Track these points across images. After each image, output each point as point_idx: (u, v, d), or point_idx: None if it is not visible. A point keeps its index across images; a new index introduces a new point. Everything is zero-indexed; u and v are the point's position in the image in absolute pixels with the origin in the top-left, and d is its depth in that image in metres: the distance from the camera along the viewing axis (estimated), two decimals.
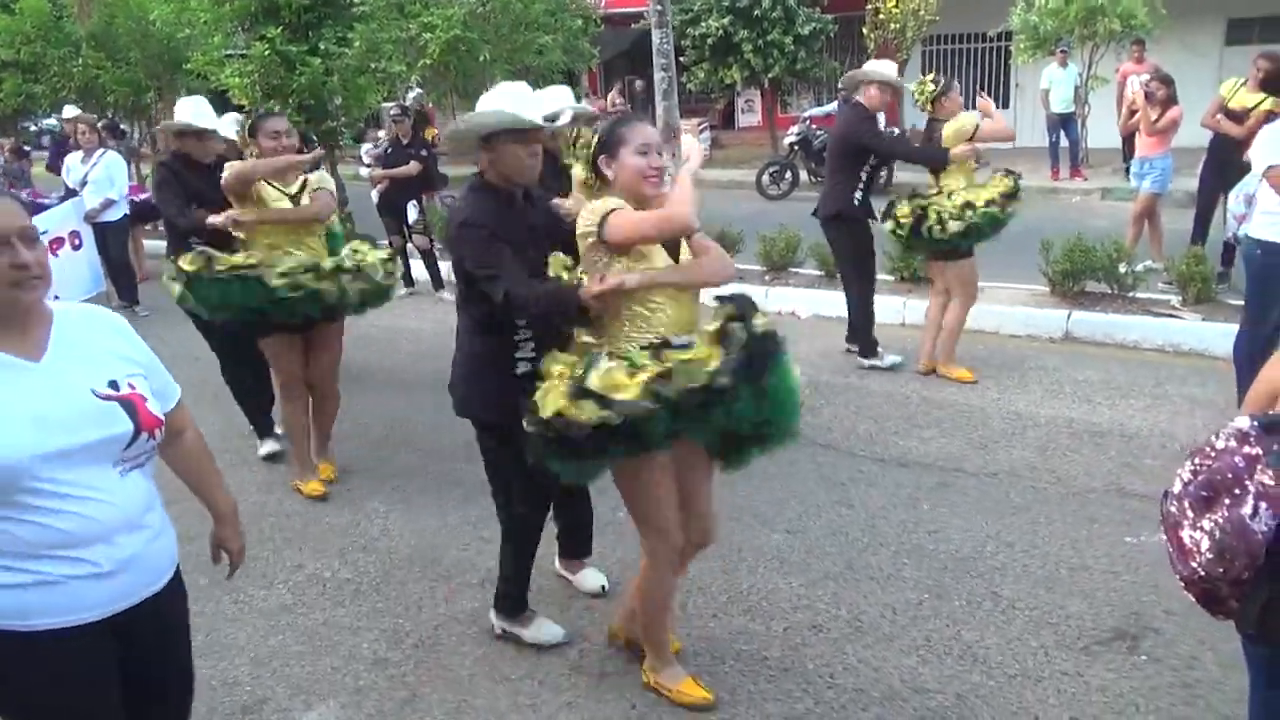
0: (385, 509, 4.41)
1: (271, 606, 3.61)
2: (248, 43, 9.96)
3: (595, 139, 2.70)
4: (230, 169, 4.23)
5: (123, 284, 8.64)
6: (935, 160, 5.45)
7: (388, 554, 3.98)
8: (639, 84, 18.94)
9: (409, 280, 8.65)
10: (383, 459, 4.99)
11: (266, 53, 9.45)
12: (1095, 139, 14.11)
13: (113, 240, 8.54)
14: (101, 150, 8.44)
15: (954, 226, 5.24)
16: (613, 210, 2.55)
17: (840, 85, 12.37)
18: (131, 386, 1.87)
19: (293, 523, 4.31)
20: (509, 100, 2.89)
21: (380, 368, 6.69)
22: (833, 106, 14.11)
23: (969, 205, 5.27)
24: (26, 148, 11.07)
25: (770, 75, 16.86)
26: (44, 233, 7.90)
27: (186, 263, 4.33)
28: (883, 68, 5.72)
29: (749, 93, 19.90)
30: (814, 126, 14.09)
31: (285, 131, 4.44)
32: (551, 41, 8.10)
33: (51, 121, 20.49)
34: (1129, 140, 13.43)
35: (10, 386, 1.73)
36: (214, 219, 4.29)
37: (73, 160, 8.51)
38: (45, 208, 10.54)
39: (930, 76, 5.75)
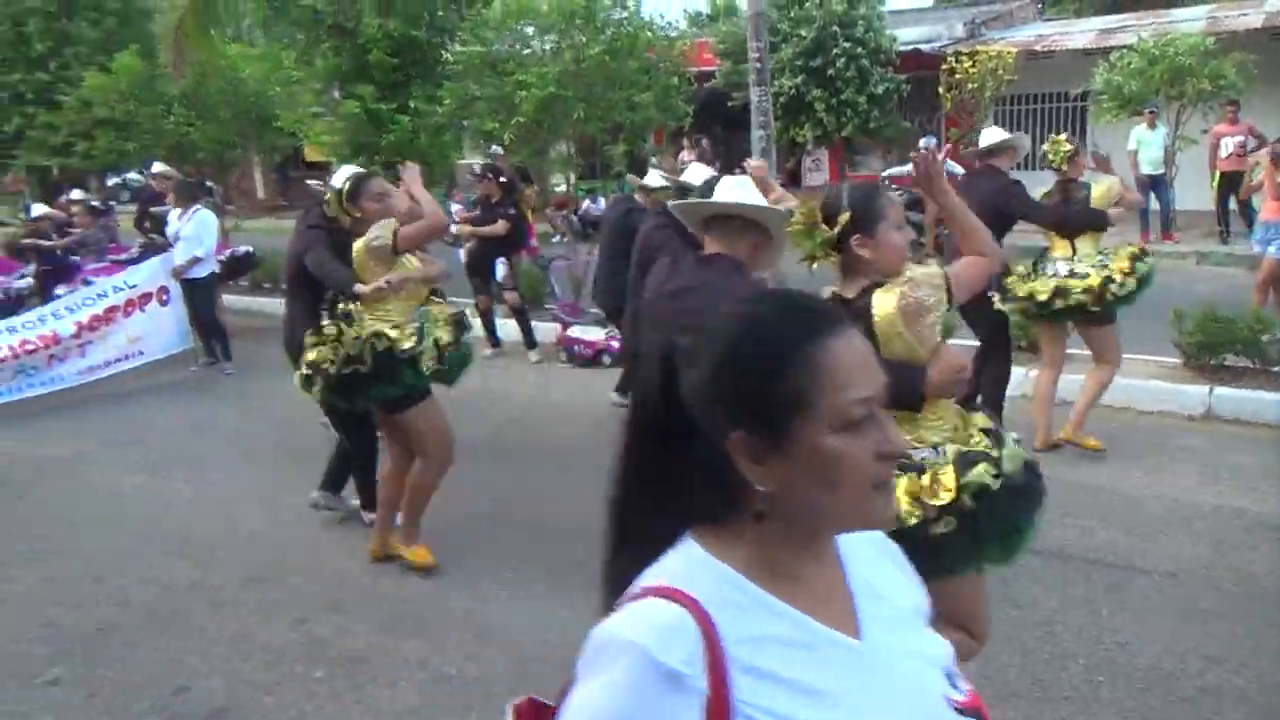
0: (505, 594, 4.11)
1: (398, 709, 3.31)
2: (338, 101, 10.00)
3: (845, 214, 2.39)
4: (405, 232, 4.05)
5: (212, 341, 8.57)
6: (1096, 224, 5.19)
7: (514, 649, 3.67)
8: (705, 142, 18.89)
9: (495, 340, 8.49)
10: (492, 536, 4.71)
11: (356, 110, 9.47)
12: (1183, 201, 13.66)
13: (200, 297, 8.49)
14: (196, 207, 8.42)
15: (1129, 285, 5.02)
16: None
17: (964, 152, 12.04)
18: (965, 680, 1.10)
19: (410, 608, 4.03)
20: (741, 192, 2.94)
21: (472, 435, 6.43)
22: (910, 168, 13.80)
23: (1109, 269, 5.07)
24: (111, 203, 11.22)
25: (843, 134, 16.71)
26: (133, 287, 7.90)
27: (313, 352, 4.10)
28: (997, 134, 5.57)
29: (817, 151, 19.78)
30: (893, 186, 13.83)
31: (388, 193, 4.28)
32: (647, 99, 7.95)
33: (134, 175, 21.27)
34: (1224, 203, 13.13)
35: (844, 690, 0.98)
36: (365, 288, 4.08)
37: (173, 216, 8.52)
38: (132, 262, 10.70)
39: (1064, 136, 5.49)
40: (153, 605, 4.16)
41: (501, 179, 8.40)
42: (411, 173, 4.18)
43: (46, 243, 9.80)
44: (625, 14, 8.24)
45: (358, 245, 4.10)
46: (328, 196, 4.32)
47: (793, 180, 21.28)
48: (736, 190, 2.92)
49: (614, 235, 6.09)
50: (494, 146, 10.63)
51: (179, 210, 8.51)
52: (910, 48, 17.22)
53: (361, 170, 4.68)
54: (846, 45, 16.23)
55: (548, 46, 8.21)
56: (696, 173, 5.64)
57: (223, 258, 9.51)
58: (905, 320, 2.28)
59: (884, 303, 2.30)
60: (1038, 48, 16.79)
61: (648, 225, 4.64)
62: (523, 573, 4.29)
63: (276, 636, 3.84)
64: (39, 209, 10.50)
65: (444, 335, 4.15)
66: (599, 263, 6.20)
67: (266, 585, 4.30)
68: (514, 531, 4.77)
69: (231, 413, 7.20)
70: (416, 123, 9.56)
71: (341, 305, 4.89)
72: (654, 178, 6.07)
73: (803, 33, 16.32)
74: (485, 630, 3.82)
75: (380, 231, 4.08)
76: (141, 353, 8.31)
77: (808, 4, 16.50)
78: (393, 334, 4.00)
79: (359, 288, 4.09)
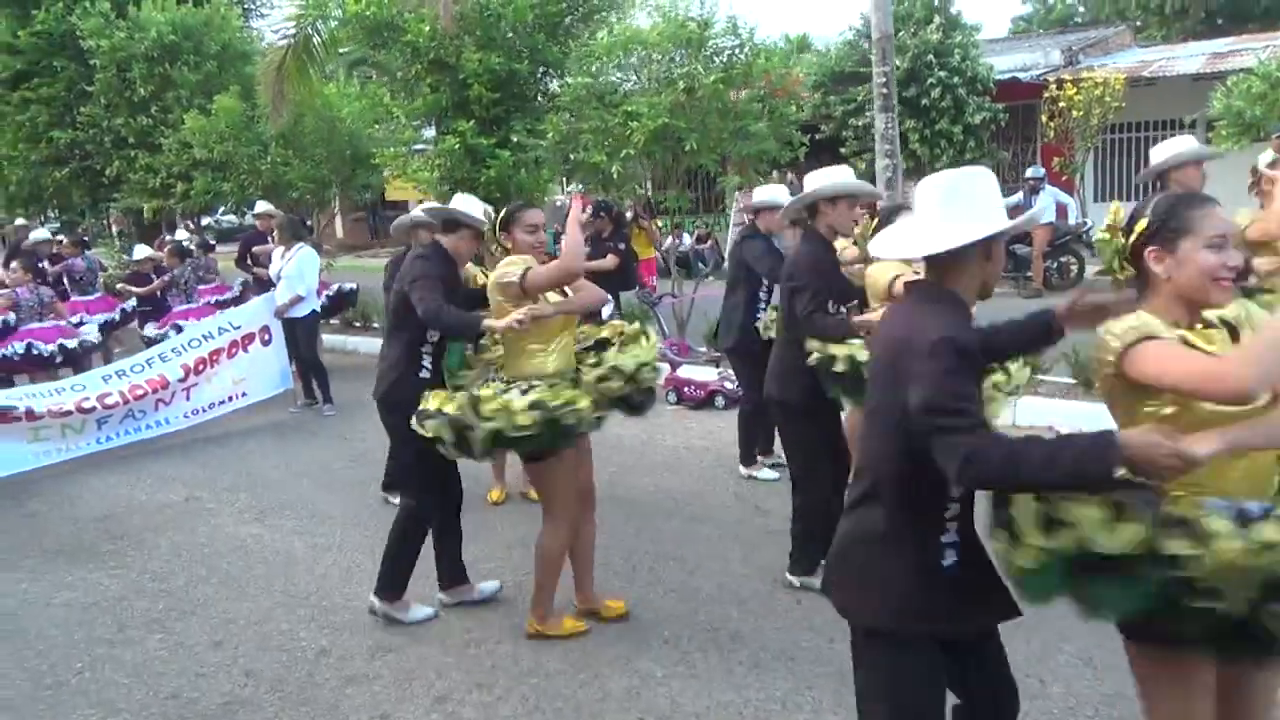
0: (663, 673, 3.65)
1: None
2: (437, 138, 9.84)
3: (1145, 224, 2.02)
4: (537, 274, 3.64)
5: (315, 381, 8.37)
6: None
7: None
8: (791, 176, 18.48)
9: None
10: (636, 600, 4.26)
11: (456, 146, 9.27)
12: None
13: (302, 337, 8.30)
14: (299, 245, 8.27)
15: None
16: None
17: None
18: None
19: (560, 686, 3.59)
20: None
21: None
22: (1018, 198, 13.18)
23: None
24: (210, 241, 11.26)
25: (937, 166, 16.15)
26: (237, 328, 7.71)
27: (452, 406, 3.72)
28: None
29: (906, 185, 19.22)
30: None
31: (542, 225, 3.92)
32: (766, 128, 7.55)
33: (227, 216, 21.48)
34: None
35: None
36: (496, 323, 3.71)
37: (275, 255, 8.38)
38: (235, 301, 10.65)
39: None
40: (280, 676, 3.81)
41: (612, 214, 8.11)
42: (575, 208, 3.82)
43: (135, 289, 9.82)
44: (737, 41, 7.86)
45: (490, 280, 3.74)
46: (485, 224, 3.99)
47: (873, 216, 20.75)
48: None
49: (734, 263, 5.68)
50: (559, 199, 10.39)
51: (282, 248, 8.38)
52: (1008, 76, 16.63)
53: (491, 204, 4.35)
54: (942, 75, 15.74)
55: (655, 77, 7.87)
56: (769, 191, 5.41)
57: (328, 294, 9.37)
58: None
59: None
60: (1145, 73, 16.05)
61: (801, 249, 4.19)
62: (680, 645, 3.85)
63: (418, 718, 3.44)
64: (141, 250, 10.53)
65: (627, 361, 3.76)
66: (726, 302, 5.77)
67: (398, 656, 3.92)
68: (658, 594, 4.33)
69: (333, 457, 6.93)
70: (517, 157, 9.31)
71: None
72: (772, 192, 5.61)
73: (897, 62, 15.88)
74: (650, 715, 3.36)
75: (510, 268, 3.70)
76: (245, 394, 8.13)
77: (901, 33, 16.06)
78: (554, 402, 3.58)
79: (488, 322, 3.71)
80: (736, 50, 7.97)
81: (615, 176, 7.91)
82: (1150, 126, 16.86)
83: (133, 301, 10.20)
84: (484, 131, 9.49)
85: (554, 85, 9.64)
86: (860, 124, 15.90)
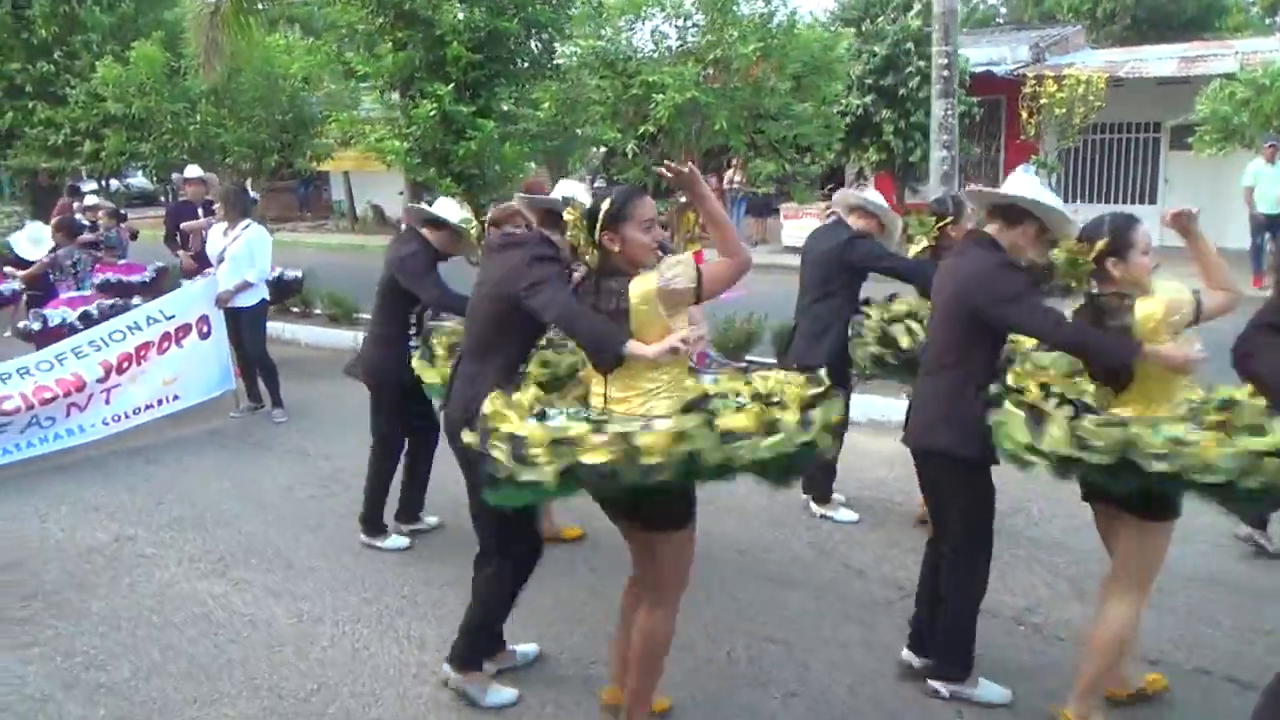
0: None
1: None
2: (405, 102, 8.58)
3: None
4: (714, 272, 2.77)
5: (262, 382, 7.08)
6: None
7: None
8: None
9: None
10: (751, 709, 3.28)
11: (432, 113, 8.05)
12: None
13: (248, 329, 7.01)
14: (246, 223, 6.95)
15: None
16: None
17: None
18: None
19: None
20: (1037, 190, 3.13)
21: None
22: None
23: None
24: (123, 211, 9.71)
25: (911, 160, 15.54)
26: (170, 318, 6.37)
27: (536, 438, 2.65)
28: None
29: (862, 179, 18.61)
30: None
31: (654, 219, 2.90)
32: (812, 109, 6.61)
33: (141, 180, 19.21)
34: None
35: None
36: (647, 349, 2.69)
37: (215, 233, 7.03)
38: (138, 285, 9.14)
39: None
40: None
41: None
42: (699, 183, 2.81)
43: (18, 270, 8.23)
44: (766, 8, 6.88)
45: (642, 290, 2.71)
46: (568, 217, 2.90)
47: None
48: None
49: (829, 266, 4.68)
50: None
51: (225, 224, 7.04)
52: (981, 69, 16.12)
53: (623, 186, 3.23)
54: (921, 64, 15.08)
55: (679, 43, 6.83)
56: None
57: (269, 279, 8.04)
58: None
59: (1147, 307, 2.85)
60: (1120, 74, 15.74)
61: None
62: None
63: None
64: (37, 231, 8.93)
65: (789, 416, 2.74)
66: (800, 306, 4.79)
67: None
68: (774, 699, 3.35)
69: (296, 479, 5.72)
70: (502, 129, 8.14)
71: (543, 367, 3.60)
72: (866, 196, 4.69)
73: (875, 49, 15.19)
74: None
75: (678, 270, 2.70)
76: (177, 397, 6.79)
77: (880, 19, 15.38)
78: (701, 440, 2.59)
79: (634, 347, 2.71)
80: (765, 19, 6.97)
81: (630, 156, 6.84)
82: (1122, 129, 16.64)
83: (13, 284, 8.64)
84: (462, 98, 8.29)
85: (543, 48, 8.47)
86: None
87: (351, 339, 9.59)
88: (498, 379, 3.12)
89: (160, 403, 6.70)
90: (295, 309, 10.37)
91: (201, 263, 8.47)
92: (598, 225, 2.80)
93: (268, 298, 7.32)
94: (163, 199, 13.95)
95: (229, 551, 4.67)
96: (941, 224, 4.51)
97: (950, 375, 3.21)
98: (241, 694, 3.42)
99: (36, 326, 7.04)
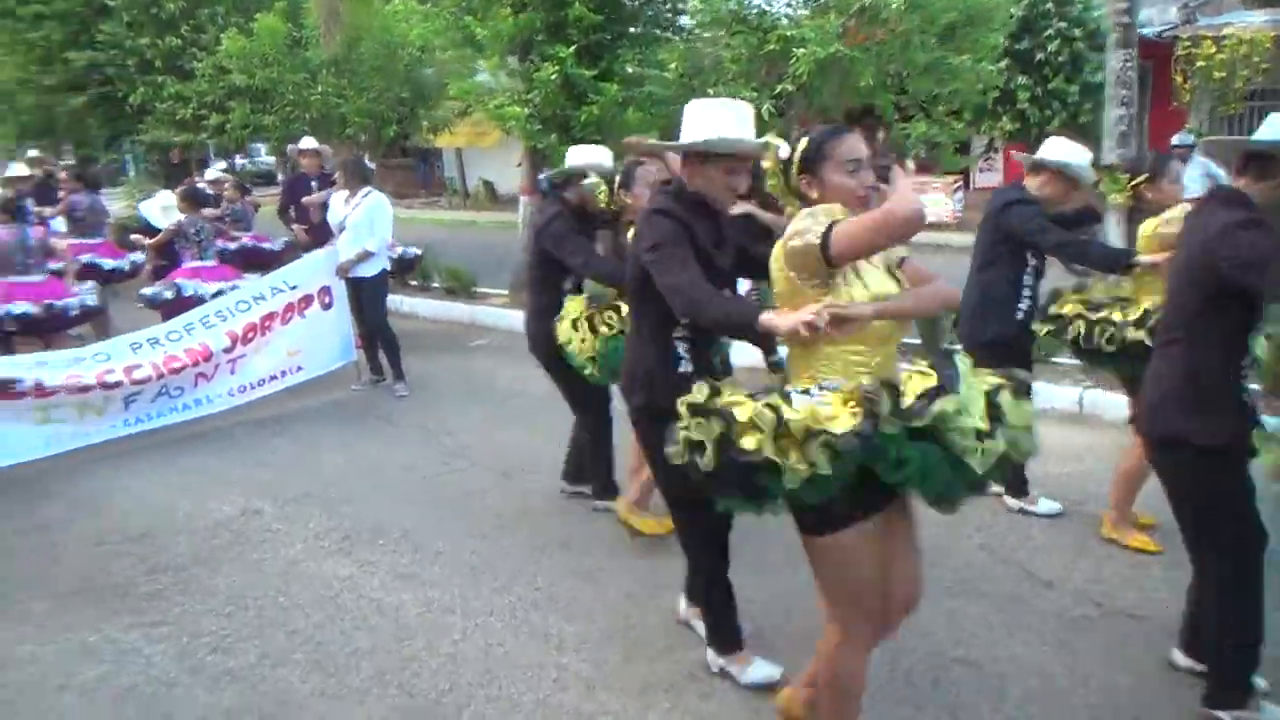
0: None
1: None
2: (524, 68, 8.28)
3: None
4: (847, 229, 2.21)
5: (382, 354, 6.93)
6: None
7: None
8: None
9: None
10: None
11: (553, 77, 7.72)
12: None
13: (369, 300, 6.85)
14: (367, 190, 6.79)
15: None
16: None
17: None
18: None
19: None
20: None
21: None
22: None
23: None
24: (247, 185, 9.79)
25: (1049, 130, 14.49)
26: (293, 288, 6.24)
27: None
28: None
29: (992, 151, 17.50)
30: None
31: (862, 159, 2.43)
32: (969, 62, 5.99)
33: (268, 158, 19.55)
34: None
35: None
36: (779, 321, 2.28)
37: (337, 201, 6.89)
38: (269, 253, 9.17)
39: None
40: None
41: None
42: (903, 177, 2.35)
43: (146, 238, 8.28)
44: None
45: (778, 246, 2.34)
46: (765, 164, 2.50)
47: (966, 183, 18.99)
48: None
49: (991, 232, 4.14)
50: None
51: (345, 193, 6.89)
52: None
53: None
54: (1061, 25, 14.02)
55: None
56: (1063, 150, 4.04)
57: (390, 255, 7.91)
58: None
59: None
60: None
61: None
62: None
63: None
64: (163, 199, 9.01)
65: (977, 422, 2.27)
66: (969, 277, 4.26)
67: None
68: (951, 709, 2.90)
69: (421, 456, 5.50)
70: (625, 93, 7.76)
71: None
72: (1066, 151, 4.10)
73: (1011, 11, 14.16)
74: None
75: (806, 222, 2.27)
76: (300, 368, 6.69)
77: None
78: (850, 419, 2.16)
79: (771, 319, 2.32)
80: None
81: (766, 117, 6.36)
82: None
83: (140, 254, 8.74)
84: (584, 61, 7.94)
85: (669, 5, 8.03)
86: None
87: (469, 313, 9.44)
88: (657, 355, 2.88)
89: (284, 374, 6.61)
90: (414, 282, 10.28)
91: (316, 236, 8.41)
92: (793, 169, 2.39)
93: (389, 268, 7.16)
94: (280, 177, 14.11)
95: (354, 530, 4.46)
96: (1135, 183, 4.06)
97: (1181, 350, 2.71)
98: (370, 690, 3.16)
99: (170, 295, 7.04)
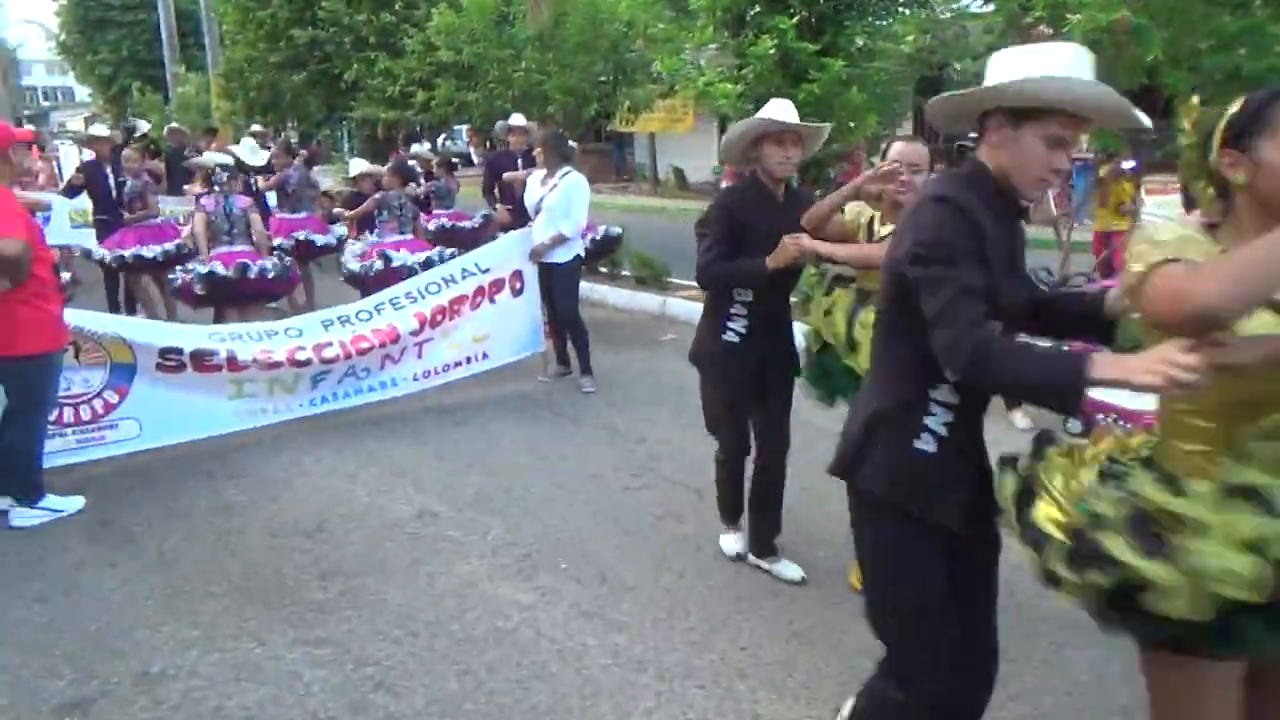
0: None
1: None
2: (738, 42, 7.61)
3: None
4: None
5: (570, 345, 6.52)
6: None
7: None
8: None
9: None
10: None
11: (771, 51, 7.01)
12: None
13: (560, 287, 6.43)
14: (565, 170, 6.36)
15: None
16: None
17: None
18: None
19: None
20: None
21: None
22: None
23: None
24: (455, 162, 9.70)
25: None
26: (485, 271, 5.74)
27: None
28: None
29: None
30: None
31: None
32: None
33: (458, 145, 19.94)
34: None
35: None
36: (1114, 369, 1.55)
37: (533, 182, 6.51)
38: (466, 231, 9.00)
39: None
40: None
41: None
42: None
43: (347, 211, 8.22)
44: None
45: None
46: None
47: None
48: None
49: None
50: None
51: (543, 173, 6.49)
52: None
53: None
54: None
55: None
56: None
57: (593, 236, 7.54)
58: None
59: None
60: None
61: None
62: None
63: None
64: (358, 165, 8.99)
65: None
66: None
67: None
68: None
69: (608, 464, 5.00)
70: (849, 69, 6.95)
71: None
72: None
73: None
74: None
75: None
76: (486, 355, 6.37)
77: None
78: None
79: (1101, 367, 1.65)
80: None
81: None
82: None
83: (342, 228, 8.74)
84: (804, 34, 7.19)
85: None
86: None
87: (659, 304, 8.94)
88: (901, 392, 2.04)
89: (469, 360, 6.30)
90: (604, 269, 9.90)
91: (518, 216, 8.13)
92: (1214, 143, 1.63)
93: (582, 254, 6.73)
94: (472, 160, 14.12)
95: (535, 547, 4.00)
96: None
97: None
98: None
99: (380, 265, 6.91)
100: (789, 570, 3.69)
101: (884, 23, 7.00)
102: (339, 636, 3.33)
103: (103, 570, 3.84)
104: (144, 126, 10.07)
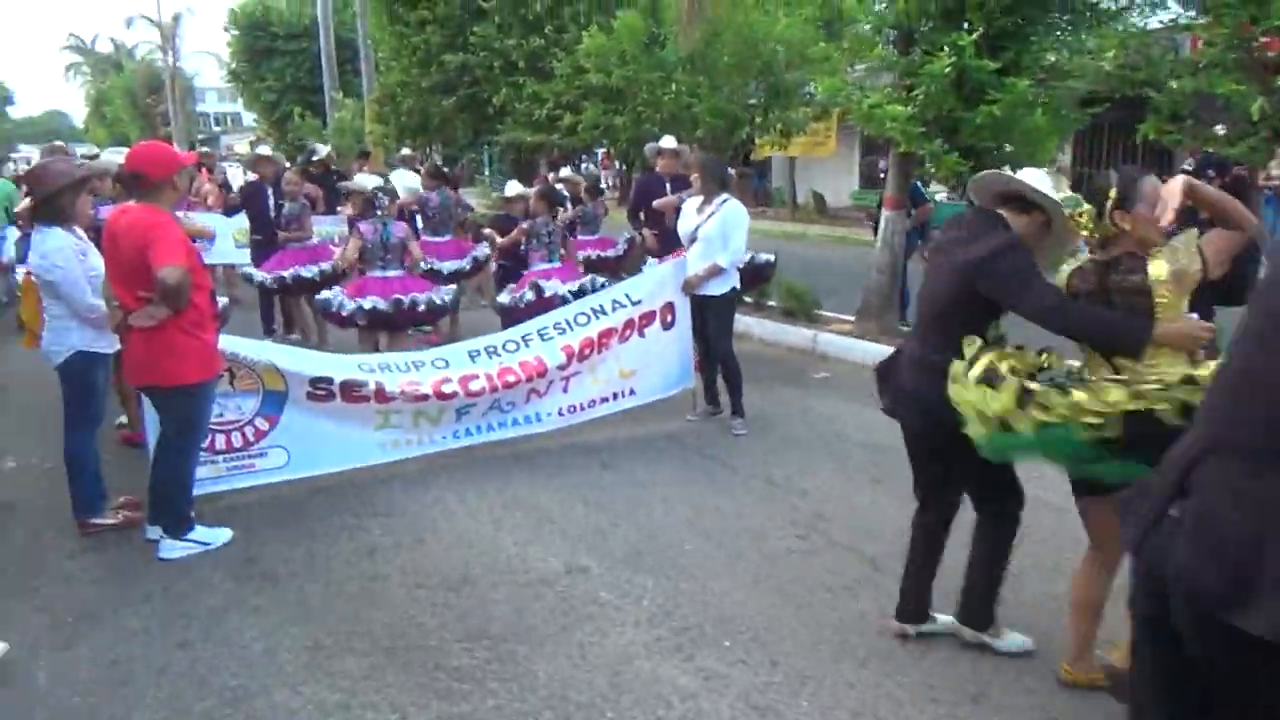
0: None
1: None
2: (909, 60, 7.09)
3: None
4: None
5: (722, 382, 6.13)
6: None
7: None
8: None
9: None
10: None
11: (947, 70, 6.47)
12: None
13: (715, 321, 6.06)
14: (723, 198, 6.00)
15: None
16: None
17: None
18: None
19: None
20: None
21: None
22: None
23: None
24: (603, 187, 9.54)
25: None
26: (636, 303, 5.31)
27: None
28: None
29: None
30: None
31: None
32: None
33: (589, 169, 19.92)
34: None
35: None
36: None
37: (688, 209, 6.18)
38: (611, 260, 8.76)
39: None
40: None
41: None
42: None
43: (498, 236, 8.05)
44: None
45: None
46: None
47: None
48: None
49: None
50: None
51: (699, 199, 6.15)
52: None
53: None
54: None
55: None
56: None
57: (739, 266, 7.13)
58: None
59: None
60: None
61: None
62: None
63: None
64: (513, 187, 8.87)
65: None
66: None
67: None
68: None
69: (769, 519, 4.57)
70: (1036, 91, 6.32)
71: None
72: None
73: None
74: None
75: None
76: (633, 392, 6.06)
77: None
78: None
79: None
80: None
81: (1256, 118, 4.71)
82: None
83: (485, 249, 8.62)
84: (983, 52, 6.61)
85: None
86: None
87: (809, 339, 8.45)
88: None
89: (616, 396, 6.01)
90: (748, 299, 9.48)
91: (663, 242, 7.83)
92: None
93: (739, 286, 6.33)
94: (603, 186, 13.91)
95: (696, 620, 3.61)
96: None
97: None
98: None
99: (531, 296, 6.75)
100: (1012, 643, 3.28)
101: (1081, 37, 6.33)
102: (484, 714, 3.02)
103: (246, 615, 3.69)
104: (322, 150, 10.41)
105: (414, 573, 4.04)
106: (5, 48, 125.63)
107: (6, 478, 5.37)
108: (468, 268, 8.77)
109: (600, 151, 20.77)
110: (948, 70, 6.52)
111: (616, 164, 21.48)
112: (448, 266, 8.54)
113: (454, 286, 7.30)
